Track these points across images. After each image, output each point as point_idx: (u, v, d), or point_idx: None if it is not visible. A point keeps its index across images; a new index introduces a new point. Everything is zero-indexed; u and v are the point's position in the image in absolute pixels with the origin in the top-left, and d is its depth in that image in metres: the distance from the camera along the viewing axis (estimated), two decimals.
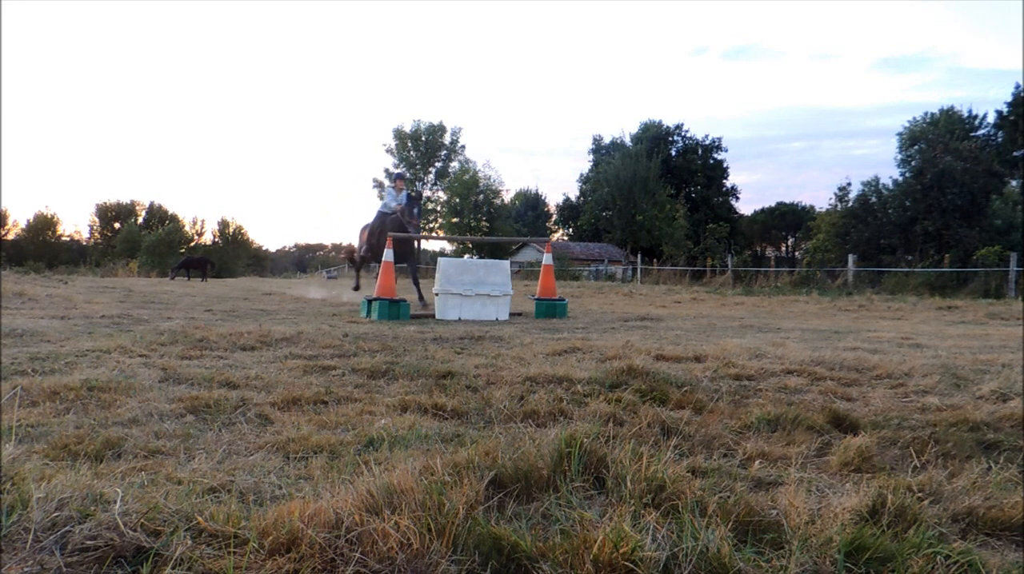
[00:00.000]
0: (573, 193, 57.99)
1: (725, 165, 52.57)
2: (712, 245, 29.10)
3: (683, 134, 51.88)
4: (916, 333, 6.89)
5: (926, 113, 41.99)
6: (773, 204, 59.08)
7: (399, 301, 7.65)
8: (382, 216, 10.82)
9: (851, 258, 19.76)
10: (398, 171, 13.52)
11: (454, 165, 51.64)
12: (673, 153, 50.65)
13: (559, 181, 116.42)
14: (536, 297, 8.81)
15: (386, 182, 51.86)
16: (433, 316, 7.90)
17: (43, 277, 18.34)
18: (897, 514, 1.63)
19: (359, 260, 12.15)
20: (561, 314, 8.52)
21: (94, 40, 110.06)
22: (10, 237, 51.86)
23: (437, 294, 7.95)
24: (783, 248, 59.67)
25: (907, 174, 25.99)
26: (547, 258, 9.13)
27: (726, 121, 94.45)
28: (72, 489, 1.51)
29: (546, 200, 56.69)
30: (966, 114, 40.90)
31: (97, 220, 56.10)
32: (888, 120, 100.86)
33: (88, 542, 1.33)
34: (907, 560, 1.40)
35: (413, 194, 10.59)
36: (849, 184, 26.45)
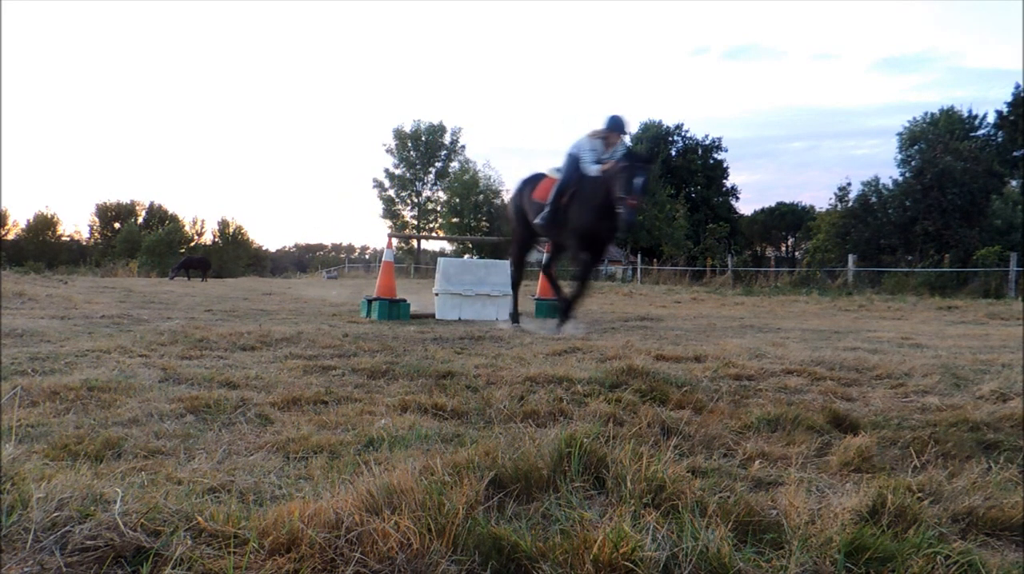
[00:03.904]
0: None
1: (725, 165, 52.49)
2: (712, 245, 29.08)
3: (683, 134, 51.85)
4: (916, 333, 6.89)
5: (926, 113, 41.96)
6: (773, 204, 59.03)
7: (399, 301, 7.65)
8: (575, 169, 6.57)
9: (851, 258, 19.77)
10: (614, 117, 6.57)
11: (454, 165, 51.56)
12: (673, 153, 50.61)
13: None
14: (536, 297, 8.81)
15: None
16: (433, 316, 7.91)
17: (43, 277, 18.33)
18: (897, 514, 1.63)
19: (519, 236, 7.45)
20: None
21: (94, 40, 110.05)
22: (10, 237, 51.82)
23: (437, 294, 7.96)
24: (783, 248, 59.62)
25: (907, 174, 25.96)
26: (547, 258, 9.12)
27: (726, 121, 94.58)
28: (72, 489, 1.51)
29: None
30: (966, 114, 40.87)
31: (97, 220, 56.10)
32: (888, 120, 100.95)
33: (88, 542, 1.33)
34: (907, 560, 1.40)
35: (639, 152, 6.33)
36: (849, 184, 26.42)
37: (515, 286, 7.49)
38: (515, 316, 7.22)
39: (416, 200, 52.35)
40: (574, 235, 6.49)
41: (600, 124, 6.59)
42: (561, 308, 6.71)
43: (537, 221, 6.78)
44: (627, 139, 6.77)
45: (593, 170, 6.34)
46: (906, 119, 51.09)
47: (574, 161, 6.62)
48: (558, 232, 6.78)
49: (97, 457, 2.03)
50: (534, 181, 7.17)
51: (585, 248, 6.52)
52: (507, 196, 51.65)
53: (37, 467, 1.77)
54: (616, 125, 6.53)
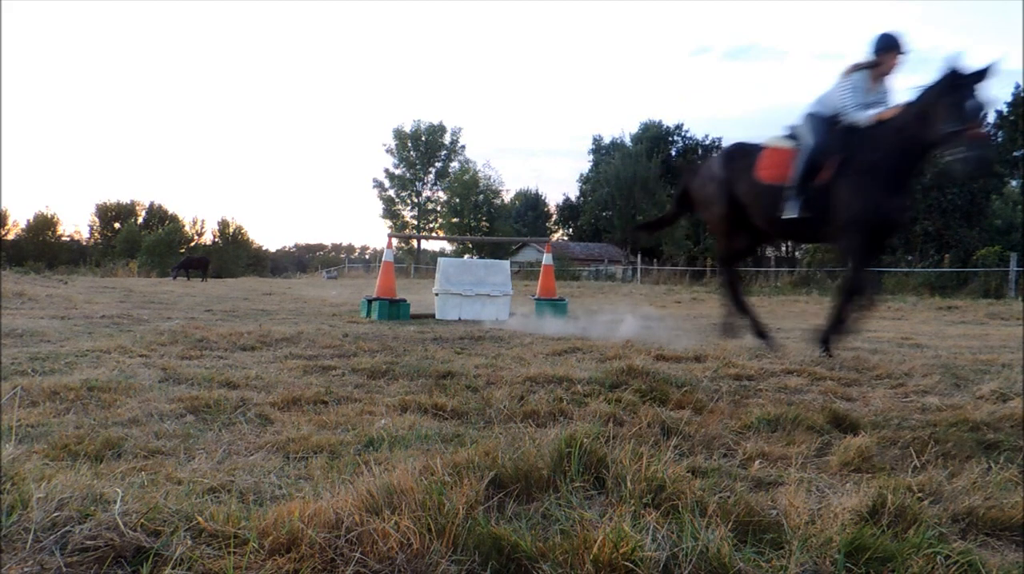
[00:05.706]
0: (573, 193, 58.03)
1: None
2: (712, 245, 29.10)
3: (683, 134, 51.83)
4: (916, 333, 6.89)
5: None
6: None
7: (399, 301, 7.65)
8: (831, 128, 4.43)
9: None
10: (885, 34, 4.30)
11: (454, 165, 51.60)
12: (673, 153, 50.59)
13: (559, 181, 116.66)
14: (536, 297, 8.81)
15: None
16: (433, 316, 7.90)
17: (43, 277, 18.31)
18: (897, 514, 1.63)
19: (731, 243, 5.16)
20: (561, 314, 8.52)
21: (94, 40, 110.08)
22: (10, 237, 51.77)
23: (437, 294, 7.96)
24: (783, 248, 59.57)
25: None
26: (547, 258, 9.13)
27: (726, 121, 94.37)
28: (72, 489, 1.51)
29: (546, 200, 56.66)
30: None
31: (97, 220, 56.03)
32: None
33: (88, 542, 1.33)
34: (907, 560, 1.40)
35: (961, 68, 4.00)
36: None
37: (743, 304, 5.30)
38: (760, 331, 5.22)
39: (416, 200, 52.35)
40: (867, 223, 4.25)
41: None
42: (754, 329, 5.19)
43: (788, 215, 4.41)
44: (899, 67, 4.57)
45: (863, 117, 4.35)
46: None
47: (823, 121, 4.47)
48: (821, 224, 4.41)
49: (97, 457, 2.03)
50: (747, 155, 4.83)
51: (875, 239, 4.40)
52: (507, 196, 52.17)
53: (37, 467, 1.77)
54: (889, 43, 4.46)
